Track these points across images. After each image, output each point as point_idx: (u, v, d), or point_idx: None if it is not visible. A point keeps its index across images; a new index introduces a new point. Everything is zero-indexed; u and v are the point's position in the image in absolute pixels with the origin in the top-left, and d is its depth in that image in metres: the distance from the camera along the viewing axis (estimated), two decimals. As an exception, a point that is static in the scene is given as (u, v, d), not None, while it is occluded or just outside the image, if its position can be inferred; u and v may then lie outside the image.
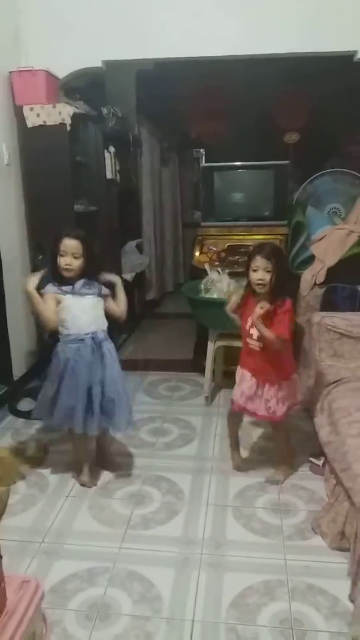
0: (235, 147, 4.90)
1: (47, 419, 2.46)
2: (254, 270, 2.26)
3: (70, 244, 2.25)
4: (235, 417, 2.59)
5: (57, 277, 2.32)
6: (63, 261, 2.26)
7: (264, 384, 2.36)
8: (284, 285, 2.31)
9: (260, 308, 2.25)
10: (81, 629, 1.71)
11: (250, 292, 2.36)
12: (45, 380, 2.46)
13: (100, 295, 2.36)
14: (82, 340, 2.32)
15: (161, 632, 1.70)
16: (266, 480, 2.50)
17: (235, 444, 2.64)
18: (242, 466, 2.59)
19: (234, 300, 2.42)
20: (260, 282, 2.25)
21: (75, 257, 2.26)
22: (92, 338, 2.32)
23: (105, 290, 2.40)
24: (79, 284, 2.31)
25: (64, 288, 2.31)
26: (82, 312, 2.32)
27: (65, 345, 2.35)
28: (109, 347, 2.37)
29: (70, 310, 2.31)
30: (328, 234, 3.51)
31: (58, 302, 2.31)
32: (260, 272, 2.24)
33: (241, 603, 1.80)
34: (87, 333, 2.32)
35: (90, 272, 2.33)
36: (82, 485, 2.49)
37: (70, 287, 2.31)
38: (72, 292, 2.31)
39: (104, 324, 2.39)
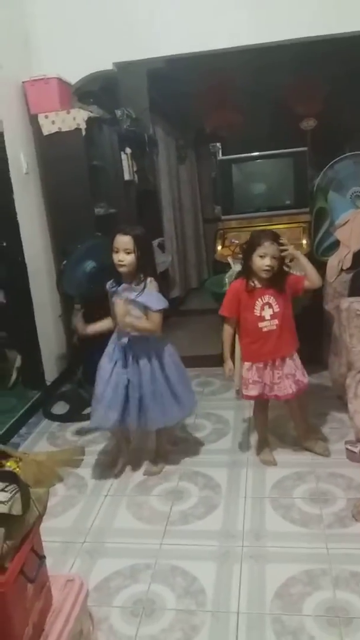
0: (251, 138, 4.86)
1: (93, 418, 2.52)
2: (261, 256, 2.28)
3: (121, 240, 2.28)
4: (261, 409, 2.58)
5: (114, 274, 2.36)
6: (116, 257, 2.30)
7: (283, 362, 2.38)
8: (282, 268, 2.35)
9: None
10: (127, 625, 1.73)
11: (247, 279, 2.37)
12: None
13: (136, 300, 2.33)
14: (120, 338, 2.39)
15: (207, 625, 1.71)
16: (325, 454, 2.53)
17: (264, 439, 2.62)
18: (272, 461, 2.56)
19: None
20: (268, 268, 2.28)
21: (127, 253, 2.28)
22: (125, 339, 2.36)
23: (149, 301, 2.32)
24: (122, 287, 2.35)
25: (112, 289, 2.38)
26: (118, 315, 2.35)
27: (113, 339, 2.44)
28: (148, 351, 2.39)
29: (113, 310, 2.39)
30: (352, 218, 3.45)
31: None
32: (269, 259, 2.27)
33: (285, 593, 1.79)
34: (121, 333, 2.38)
35: (143, 269, 2.34)
36: (113, 476, 2.56)
37: (116, 287, 2.36)
38: (115, 294, 2.36)
39: None
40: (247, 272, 2.37)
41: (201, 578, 1.90)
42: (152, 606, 1.80)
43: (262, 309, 2.36)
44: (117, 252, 2.29)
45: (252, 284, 2.36)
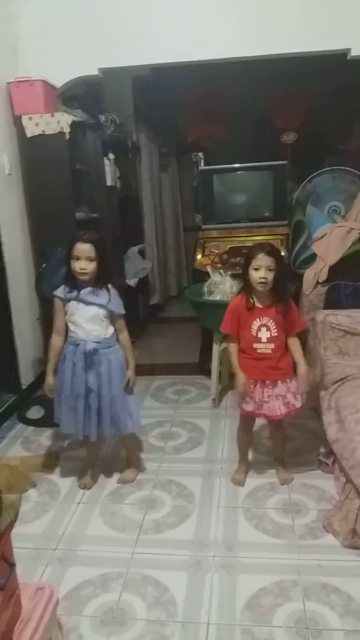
0: (233, 149, 4.92)
1: (58, 422, 2.50)
2: (256, 269, 2.23)
3: (83, 248, 2.25)
4: (247, 428, 2.53)
5: (71, 281, 2.32)
6: (77, 265, 2.26)
7: (274, 382, 2.34)
8: (285, 284, 2.31)
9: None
10: (97, 635, 1.72)
11: (246, 295, 2.32)
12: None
13: (106, 306, 2.34)
14: (78, 345, 2.34)
15: (177, 635, 1.70)
16: (282, 482, 2.49)
17: (245, 458, 2.58)
18: (241, 482, 2.51)
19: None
20: (262, 280, 2.21)
21: (90, 261, 2.27)
22: (85, 347, 2.32)
23: (116, 307, 2.36)
24: (86, 291, 2.31)
25: (69, 295, 2.32)
26: (83, 320, 2.33)
27: (67, 346, 2.38)
28: (110, 356, 2.36)
29: (72, 316, 2.34)
30: (329, 232, 3.52)
31: (64, 306, 2.36)
32: (263, 271, 2.21)
33: (255, 604, 1.80)
34: (83, 340, 2.33)
35: (103, 275, 2.34)
36: (82, 487, 2.52)
37: (76, 293, 2.31)
38: (77, 299, 2.32)
39: (105, 333, 2.37)
40: (247, 287, 2.31)
41: (172, 588, 1.90)
42: (122, 616, 1.79)
43: (259, 329, 2.29)
44: (77, 259, 2.26)
45: (252, 301, 2.30)
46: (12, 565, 1.41)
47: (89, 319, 2.33)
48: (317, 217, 3.81)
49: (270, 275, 2.22)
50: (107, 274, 2.38)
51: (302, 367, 2.32)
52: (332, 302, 3.23)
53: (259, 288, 2.26)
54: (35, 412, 3.33)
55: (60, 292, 2.34)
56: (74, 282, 2.32)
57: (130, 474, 2.59)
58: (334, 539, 2.09)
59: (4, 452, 2.91)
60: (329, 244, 3.46)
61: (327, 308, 3.16)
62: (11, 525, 1.38)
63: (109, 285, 2.38)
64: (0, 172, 3.26)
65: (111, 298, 2.35)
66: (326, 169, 4.11)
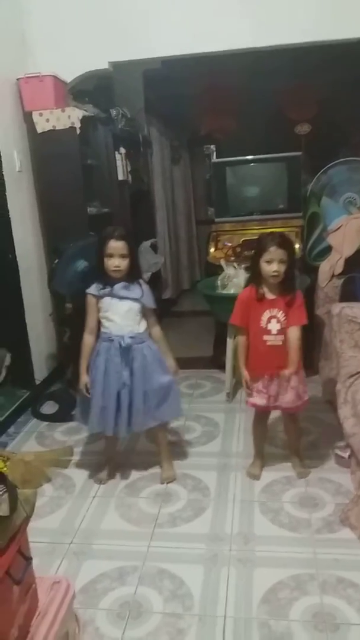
0: (246, 141, 4.88)
1: (82, 421, 2.50)
2: (268, 262, 2.19)
3: (117, 245, 2.26)
4: (262, 421, 2.51)
5: (103, 278, 2.33)
6: (112, 263, 2.26)
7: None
8: (294, 274, 2.28)
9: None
10: (113, 628, 1.72)
11: (256, 286, 2.30)
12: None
13: (140, 300, 2.34)
14: (112, 340, 2.34)
15: (193, 628, 1.70)
16: (298, 475, 2.47)
17: (259, 451, 2.55)
18: (257, 476, 2.49)
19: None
20: (275, 273, 2.19)
21: (122, 258, 2.27)
22: (120, 342, 2.32)
23: (148, 301, 2.37)
24: (119, 286, 2.31)
25: (103, 291, 2.32)
26: (116, 316, 2.33)
27: (100, 342, 2.38)
28: (144, 351, 2.36)
29: (106, 312, 2.34)
30: (344, 223, 3.47)
31: (98, 304, 2.36)
32: (276, 264, 2.18)
33: (272, 598, 1.79)
34: (117, 335, 2.33)
35: (135, 270, 2.35)
36: (97, 482, 2.52)
37: (110, 289, 2.31)
38: (111, 295, 2.32)
39: (139, 328, 2.37)
40: (256, 278, 2.28)
41: (188, 581, 1.89)
42: (138, 609, 1.79)
43: (269, 321, 2.27)
44: (111, 257, 2.26)
45: (262, 292, 2.28)
46: (28, 559, 1.41)
47: (123, 314, 2.33)
48: (332, 208, 3.76)
49: (282, 268, 2.20)
50: (138, 268, 2.39)
51: (288, 368, 2.27)
52: (348, 294, 3.18)
53: (271, 281, 2.24)
54: (49, 408, 3.35)
55: (93, 289, 2.34)
56: (105, 279, 2.32)
57: (170, 471, 2.54)
58: (350, 533, 2.07)
59: (18, 447, 2.93)
60: (344, 235, 3.41)
61: (343, 301, 3.12)
62: (27, 520, 1.39)
63: (140, 280, 2.38)
64: (11, 168, 3.26)
65: (144, 292, 2.36)
66: (341, 160, 4.05)
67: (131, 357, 2.34)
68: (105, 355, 2.35)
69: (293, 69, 4.78)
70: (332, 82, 5.00)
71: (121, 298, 2.32)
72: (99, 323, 2.39)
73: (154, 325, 2.45)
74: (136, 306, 2.35)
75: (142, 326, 2.39)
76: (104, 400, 2.36)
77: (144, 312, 2.39)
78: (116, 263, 2.27)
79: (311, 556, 1.97)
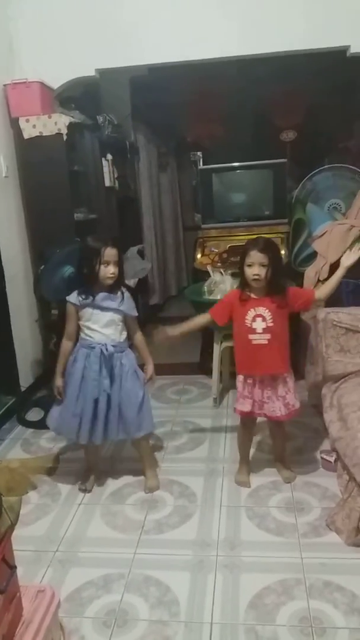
0: (232, 148, 4.91)
1: (57, 428, 2.47)
2: (249, 266, 2.22)
3: (112, 253, 2.26)
4: (248, 427, 2.51)
5: (87, 286, 2.30)
6: (108, 271, 2.25)
7: (274, 382, 2.33)
8: (280, 278, 2.28)
9: None
10: (99, 637, 1.70)
11: (241, 289, 2.32)
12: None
13: (121, 309, 2.33)
14: (93, 348, 2.32)
15: (180, 635, 1.69)
16: (285, 480, 2.48)
17: (245, 458, 2.54)
18: (246, 483, 2.48)
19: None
20: (256, 277, 2.21)
21: (116, 265, 2.27)
22: (101, 350, 2.31)
23: (129, 309, 2.36)
24: (101, 296, 2.29)
25: (84, 301, 2.29)
26: (99, 326, 2.31)
27: (79, 348, 2.36)
28: (122, 360, 2.35)
29: (88, 322, 2.32)
30: (329, 229, 3.50)
31: (77, 312, 2.34)
32: (256, 267, 2.20)
33: (259, 603, 1.78)
34: (99, 343, 2.32)
35: (121, 278, 2.34)
36: (82, 490, 2.50)
37: (91, 299, 2.29)
38: (92, 305, 2.30)
39: (120, 337, 2.36)
40: (242, 282, 2.31)
41: (175, 588, 1.88)
42: (124, 617, 1.78)
43: (254, 320, 2.27)
44: (107, 264, 2.25)
45: (247, 294, 2.30)
46: (12, 568, 1.39)
47: (105, 324, 2.32)
48: (317, 215, 3.80)
49: (262, 272, 2.21)
50: (123, 276, 2.38)
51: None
52: (334, 299, 3.20)
53: (253, 284, 2.26)
54: (34, 414, 3.33)
55: (73, 298, 2.32)
56: (89, 288, 2.30)
57: (153, 480, 2.52)
58: (337, 537, 2.07)
59: (3, 454, 2.90)
60: (329, 241, 3.44)
61: (328, 306, 3.14)
62: (11, 528, 1.37)
63: (123, 288, 2.37)
64: (-2, 173, 3.25)
65: (124, 300, 2.35)
66: (326, 166, 4.09)
67: (111, 365, 2.33)
68: (83, 362, 2.33)
69: (279, 77, 4.82)
70: (318, 89, 5.05)
71: (103, 309, 2.30)
72: (78, 329, 2.37)
73: (136, 331, 2.44)
74: (118, 316, 2.34)
75: (123, 335, 2.38)
76: (79, 407, 2.33)
77: (126, 320, 2.38)
78: (112, 270, 2.26)
79: (298, 561, 1.97)
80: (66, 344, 2.39)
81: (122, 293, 2.36)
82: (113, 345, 2.33)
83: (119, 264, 2.30)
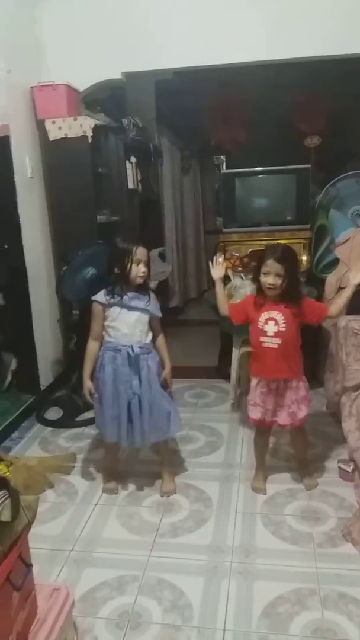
0: (255, 153, 4.90)
1: (102, 429, 2.47)
2: (265, 274, 2.21)
3: (144, 252, 2.29)
4: (263, 436, 2.50)
5: (116, 286, 2.31)
6: (139, 270, 2.28)
7: (284, 390, 2.32)
8: (296, 288, 2.26)
9: None
10: (112, 638, 1.71)
11: (257, 295, 2.32)
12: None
13: (148, 309, 2.35)
14: (119, 350, 2.32)
15: (192, 641, 1.69)
16: (306, 487, 2.46)
17: (261, 465, 2.53)
18: (262, 489, 2.47)
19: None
20: (270, 286, 2.21)
21: (145, 265, 2.30)
22: (128, 352, 2.31)
23: (155, 310, 2.38)
24: (129, 296, 2.31)
25: (112, 300, 2.30)
26: (125, 326, 2.32)
27: (104, 352, 2.36)
28: (149, 362, 2.35)
29: (113, 322, 2.33)
30: (352, 236, 3.47)
31: (104, 312, 2.34)
32: (272, 277, 2.19)
33: (272, 612, 1.77)
34: (125, 345, 2.32)
35: (149, 279, 2.37)
36: (108, 492, 2.51)
37: (119, 298, 2.30)
38: (121, 305, 2.31)
39: (146, 338, 2.37)
40: (258, 288, 2.31)
41: (188, 593, 1.88)
42: (137, 619, 1.78)
43: (266, 322, 2.27)
44: (138, 263, 2.27)
45: (263, 300, 2.30)
46: (29, 565, 1.41)
47: (131, 324, 2.32)
48: (340, 221, 3.77)
49: (278, 281, 2.20)
50: (149, 277, 2.40)
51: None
52: (355, 307, 3.17)
53: (268, 293, 2.26)
54: (53, 413, 3.36)
55: (100, 297, 2.33)
56: (117, 288, 2.31)
57: (170, 484, 2.52)
58: (353, 549, 2.05)
59: (22, 452, 2.94)
60: (352, 248, 3.41)
61: (349, 314, 3.12)
62: (29, 526, 1.39)
63: (149, 290, 2.40)
64: (23, 175, 3.29)
65: (151, 301, 2.36)
66: (350, 173, 4.06)
67: (139, 367, 2.33)
68: (112, 365, 2.33)
69: (304, 82, 4.81)
70: (343, 95, 5.02)
71: (130, 308, 2.31)
72: (103, 330, 2.39)
73: (159, 333, 2.46)
74: (145, 317, 2.35)
75: (149, 337, 2.39)
76: (116, 410, 2.34)
77: (151, 321, 2.40)
78: (143, 269, 2.28)
79: (312, 570, 1.95)
80: (93, 345, 2.39)
81: (149, 294, 2.37)
82: (139, 347, 2.33)
83: (148, 263, 2.32)
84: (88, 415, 3.26)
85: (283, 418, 2.34)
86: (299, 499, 2.40)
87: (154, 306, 2.38)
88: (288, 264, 2.20)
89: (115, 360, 2.32)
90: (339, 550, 2.06)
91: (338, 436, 2.74)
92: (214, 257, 2.54)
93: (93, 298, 2.35)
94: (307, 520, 2.24)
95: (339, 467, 2.54)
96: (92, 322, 2.38)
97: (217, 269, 2.50)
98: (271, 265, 2.19)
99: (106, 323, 2.35)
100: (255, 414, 2.38)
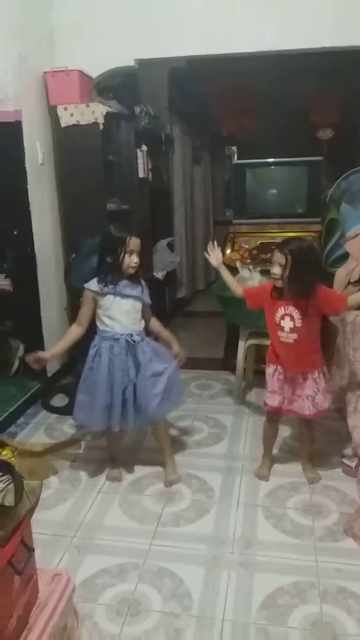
0: (267, 144, 4.85)
1: (87, 421, 2.48)
2: (272, 264, 2.26)
3: (137, 242, 2.29)
4: (273, 423, 2.51)
5: (109, 275, 2.31)
6: (132, 260, 2.28)
7: (304, 381, 2.32)
8: (303, 280, 2.21)
9: None
10: (111, 624, 1.73)
11: (273, 286, 2.33)
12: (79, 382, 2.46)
13: (141, 297, 2.36)
14: (117, 339, 2.33)
15: (191, 629, 1.70)
16: (309, 480, 2.47)
17: (269, 452, 2.56)
18: (266, 476, 2.50)
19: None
20: (274, 275, 2.24)
21: (138, 254, 2.30)
22: (126, 340, 2.32)
23: (147, 297, 2.40)
24: (123, 284, 2.31)
25: (106, 289, 2.30)
26: (120, 314, 2.32)
27: (100, 342, 2.37)
28: (145, 348, 2.36)
29: (108, 310, 2.33)
30: (363, 231, 3.44)
31: (96, 301, 2.34)
32: (275, 266, 2.22)
33: (272, 604, 1.78)
34: (123, 334, 2.32)
35: (141, 268, 2.37)
36: (111, 480, 2.52)
37: (113, 287, 2.31)
38: (114, 293, 2.31)
39: (140, 326, 2.39)
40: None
41: (188, 582, 1.89)
42: (137, 606, 1.80)
43: (282, 318, 2.28)
44: (131, 254, 2.28)
45: (279, 293, 2.30)
46: (31, 550, 1.42)
47: (125, 312, 2.33)
48: (351, 215, 3.72)
49: (278, 271, 2.21)
50: (143, 266, 2.40)
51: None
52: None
53: (274, 283, 2.28)
54: (59, 400, 3.37)
55: (93, 285, 2.32)
56: (111, 276, 2.31)
57: (173, 474, 2.52)
58: (354, 544, 2.06)
59: (27, 438, 2.96)
60: (362, 243, 3.38)
61: (358, 309, 3.10)
62: (32, 511, 1.40)
63: (140, 279, 2.41)
64: (34, 161, 3.28)
65: (143, 289, 2.38)
66: (362, 166, 4.01)
67: (136, 354, 2.34)
68: (108, 354, 2.33)
69: (317, 73, 4.74)
70: (356, 87, 4.95)
71: (124, 296, 2.31)
72: (92, 320, 2.38)
73: (150, 317, 2.48)
74: (138, 304, 2.36)
75: (142, 324, 2.41)
76: (108, 398, 2.34)
77: (142, 309, 2.41)
78: (135, 260, 2.29)
79: (313, 564, 1.96)
80: (75, 329, 2.39)
81: (140, 282, 2.39)
82: (137, 334, 2.35)
83: (141, 254, 2.32)
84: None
85: (305, 408, 2.33)
86: (301, 492, 2.40)
87: (146, 293, 2.40)
88: (291, 254, 2.18)
89: (112, 349, 2.32)
90: (339, 545, 2.07)
91: (342, 431, 2.73)
92: (209, 246, 2.54)
93: (85, 286, 2.35)
94: (309, 514, 2.25)
95: (342, 462, 2.54)
96: (81, 308, 2.39)
97: (214, 255, 2.54)
98: (275, 254, 2.23)
99: (101, 312, 2.35)
100: (273, 401, 2.38)
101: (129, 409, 2.36)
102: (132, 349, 2.33)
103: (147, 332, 2.47)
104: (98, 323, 2.37)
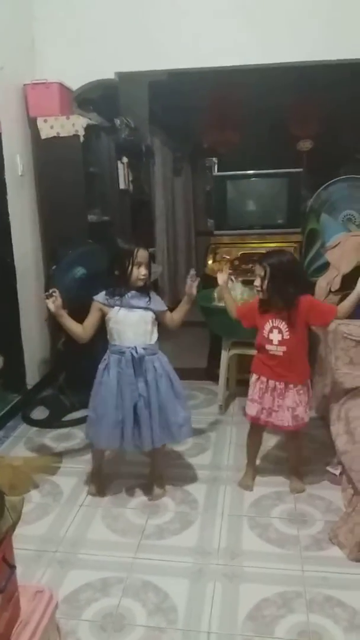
0: (248, 156, 4.92)
1: (95, 439, 2.40)
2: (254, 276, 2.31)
3: (145, 254, 2.29)
4: (257, 434, 2.51)
5: (116, 287, 2.29)
6: (140, 272, 2.27)
7: (285, 392, 2.32)
8: (282, 291, 2.25)
9: None
10: (95, 640, 1.69)
11: (260, 300, 2.36)
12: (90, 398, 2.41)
13: (149, 307, 2.33)
14: (124, 353, 2.29)
15: (176, 643, 1.67)
16: (292, 491, 2.46)
17: (252, 462, 2.55)
18: (249, 486, 2.49)
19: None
20: (256, 287, 2.29)
21: (146, 266, 2.29)
22: (132, 353, 2.28)
23: (158, 305, 2.37)
24: (129, 296, 2.29)
25: (112, 300, 2.28)
26: (127, 326, 2.29)
27: (110, 355, 2.33)
28: (155, 364, 2.32)
29: (117, 324, 2.30)
30: (343, 240, 3.48)
31: (104, 313, 2.31)
32: (257, 279, 2.27)
33: (258, 615, 1.76)
34: (129, 347, 2.29)
35: (149, 280, 2.37)
36: (93, 493, 2.48)
37: (120, 299, 2.28)
38: (121, 305, 2.29)
39: (150, 339, 2.34)
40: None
41: (173, 595, 1.87)
42: (121, 621, 1.76)
43: (271, 331, 2.31)
44: (140, 266, 2.27)
45: (266, 305, 2.33)
46: (12, 567, 1.39)
47: (134, 324, 2.30)
48: (331, 225, 3.78)
49: (258, 282, 2.26)
50: (150, 277, 2.39)
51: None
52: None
53: (257, 294, 2.32)
54: (39, 413, 3.33)
55: (101, 297, 2.31)
56: (117, 289, 2.29)
57: (161, 489, 2.49)
58: (339, 552, 2.05)
59: (7, 452, 2.90)
60: (342, 252, 3.42)
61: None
62: (13, 527, 1.37)
63: (149, 290, 2.39)
64: (13, 173, 3.27)
65: (152, 299, 2.35)
66: (341, 177, 4.08)
67: (144, 368, 2.29)
68: (116, 368, 2.29)
69: (297, 87, 4.82)
70: (335, 99, 5.04)
71: (131, 308, 2.29)
72: (94, 330, 2.35)
73: (172, 319, 2.47)
74: (148, 316, 2.32)
75: (154, 337, 2.36)
76: (119, 414, 2.28)
77: (160, 318, 2.39)
78: (144, 272, 2.28)
79: (299, 573, 1.95)
80: (80, 327, 2.33)
81: (149, 294, 2.36)
82: (143, 348, 2.30)
83: (149, 266, 2.32)
84: (75, 415, 3.24)
85: (285, 420, 2.33)
86: (285, 501, 2.39)
87: (156, 303, 2.36)
88: (270, 267, 2.23)
89: (119, 363, 2.29)
90: (325, 553, 2.06)
91: (326, 439, 2.74)
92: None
93: (94, 298, 2.33)
94: (294, 523, 2.24)
95: (327, 471, 2.54)
96: (88, 317, 2.34)
97: (221, 277, 2.57)
98: (256, 267, 2.28)
99: (110, 325, 2.32)
100: (251, 410, 2.39)
101: (143, 426, 2.29)
102: (138, 362, 2.28)
103: (179, 322, 2.47)
104: (108, 337, 2.35)
